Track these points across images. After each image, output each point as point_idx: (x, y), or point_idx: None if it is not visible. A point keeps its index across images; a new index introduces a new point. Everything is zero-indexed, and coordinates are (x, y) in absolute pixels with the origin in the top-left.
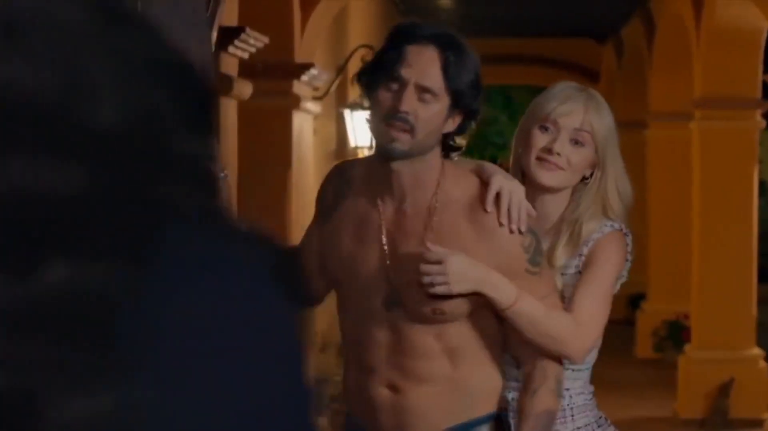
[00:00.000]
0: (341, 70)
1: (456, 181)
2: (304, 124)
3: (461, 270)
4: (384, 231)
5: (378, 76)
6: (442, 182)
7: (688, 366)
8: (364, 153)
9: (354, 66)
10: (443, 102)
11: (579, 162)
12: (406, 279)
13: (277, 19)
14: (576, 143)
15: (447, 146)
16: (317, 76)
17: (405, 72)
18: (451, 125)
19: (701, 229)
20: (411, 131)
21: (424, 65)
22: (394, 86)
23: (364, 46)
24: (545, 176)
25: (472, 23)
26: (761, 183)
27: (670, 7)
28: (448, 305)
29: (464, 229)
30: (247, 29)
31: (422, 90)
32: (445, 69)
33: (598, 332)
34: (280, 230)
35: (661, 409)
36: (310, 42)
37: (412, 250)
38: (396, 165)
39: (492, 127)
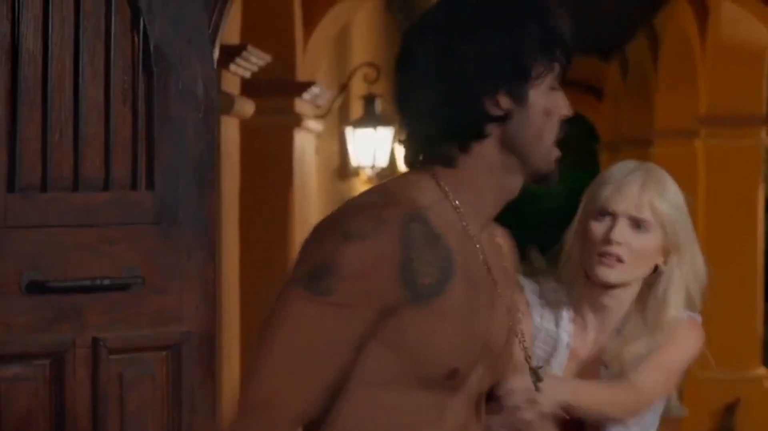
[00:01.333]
0: (344, 88)
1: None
2: (306, 142)
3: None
4: (494, 289)
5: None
6: None
7: (694, 385)
8: (366, 172)
9: (356, 84)
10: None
11: (642, 249)
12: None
13: (279, 37)
14: (638, 227)
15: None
16: (319, 94)
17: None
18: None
19: (706, 247)
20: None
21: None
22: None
23: (366, 63)
24: (603, 272)
25: None
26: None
27: (675, 24)
28: None
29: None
30: (249, 47)
31: None
32: None
33: (652, 401)
34: (282, 248)
35: (667, 429)
36: (312, 60)
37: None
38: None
39: None
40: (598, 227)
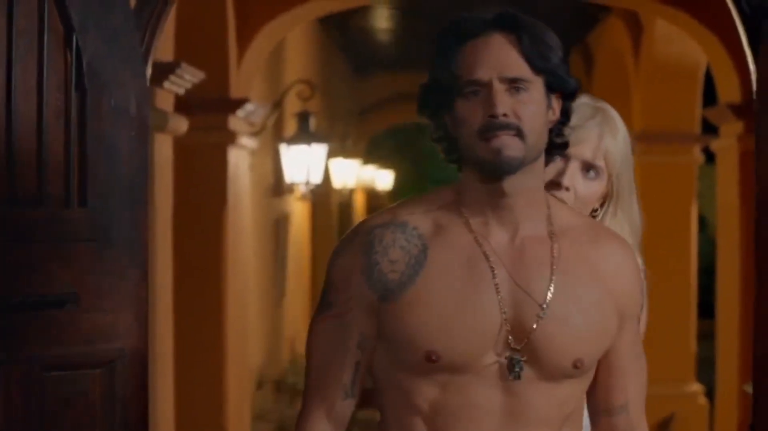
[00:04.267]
0: (278, 105)
1: (557, 203)
2: (240, 159)
3: None
4: (497, 278)
5: (446, 95)
6: (549, 201)
7: None
8: (300, 189)
9: (291, 101)
10: (538, 89)
11: (589, 196)
12: (534, 325)
13: (213, 54)
14: (588, 172)
15: (552, 144)
16: (254, 111)
17: (482, 72)
18: (553, 114)
19: None
20: (519, 134)
21: (500, 55)
22: (475, 93)
23: (301, 81)
24: None
25: (415, 58)
26: (701, 218)
27: (609, 42)
28: (590, 352)
29: (587, 262)
30: (183, 64)
31: (511, 82)
32: (526, 51)
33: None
34: (215, 265)
35: None
36: (246, 77)
37: (539, 287)
38: (508, 183)
39: (432, 160)
40: (548, 169)
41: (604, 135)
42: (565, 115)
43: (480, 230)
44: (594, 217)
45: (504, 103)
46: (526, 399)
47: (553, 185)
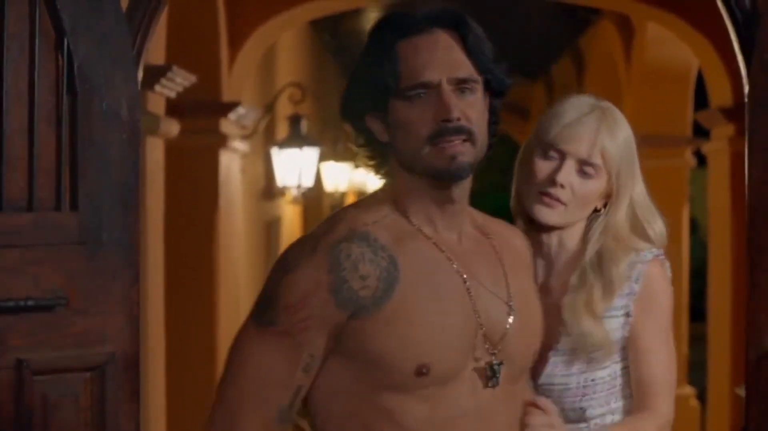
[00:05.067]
0: (269, 108)
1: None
2: (232, 163)
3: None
4: (468, 282)
5: (380, 97)
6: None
7: None
8: (292, 192)
9: (282, 104)
10: (480, 89)
11: (586, 194)
12: (507, 325)
13: (205, 58)
14: (585, 171)
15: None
16: (245, 114)
17: (430, 73)
18: (486, 112)
19: None
20: (471, 139)
21: (448, 55)
22: (419, 95)
23: (292, 84)
24: (542, 213)
25: None
26: (693, 221)
27: (600, 45)
28: (539, 344)
29: (516, 253)
30: (174, 67)
31: (458, 83)
32: (471, 50)
33: (674, 387)
34: (207, 268)
35: None
36: (237, 80)
37: (501, 286)
38: (456, 189)
39: None
40: (543, 165)
41: (600, 132)
42: (495, 114)
43: (434, 237)
44: (597, 214)
45: (456, 106)
46: (497, 403)
47: (549, 182)
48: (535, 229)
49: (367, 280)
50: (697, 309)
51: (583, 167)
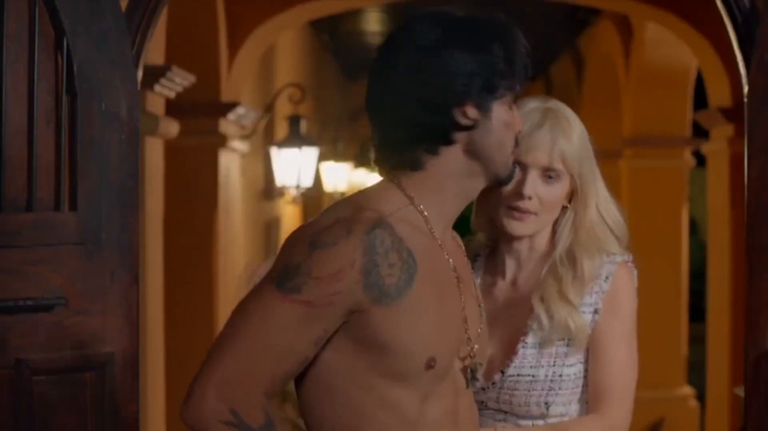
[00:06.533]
0: (269, 108)
1: None
2: (231, 163)
3: None
4: (459, 282)
5: (498, 82)
6: None
7: None
8: (291, 192)
9: (281, 104)
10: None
11: (553, 200)
12: (481, 325)
13: (204, 58)
14: (549, 178)
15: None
16: (244, 114)
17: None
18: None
19: None
20: None
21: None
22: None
23: (292, 84)
24: (513, 226)
25: None
26: (692, 222)
27: (599, 46)
28: None
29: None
30: (174, 68)
31: None
32: None
33: (632, 394)
34: (206, 269)
35: None
36: (237, 81)
37: (474, 287)
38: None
39: None
40: None
41: (557, 138)
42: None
43: (438, 234)
44: (565, 214)
45: None
46: (472, 405)
47: (516, 195)
48: (506, 240)
49: (393, 268)
50: (696, 310)
51: (546, 172)
